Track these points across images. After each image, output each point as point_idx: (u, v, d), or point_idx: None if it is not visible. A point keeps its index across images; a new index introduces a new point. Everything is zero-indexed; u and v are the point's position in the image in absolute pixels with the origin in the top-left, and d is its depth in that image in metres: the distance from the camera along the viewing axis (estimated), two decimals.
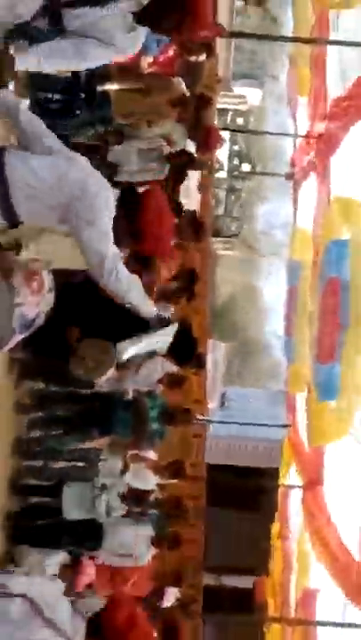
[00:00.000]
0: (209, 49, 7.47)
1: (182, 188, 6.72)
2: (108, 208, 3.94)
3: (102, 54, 4.24)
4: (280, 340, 13.96)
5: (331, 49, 8.58)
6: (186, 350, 5.79)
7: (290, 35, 11.41)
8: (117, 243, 4.06)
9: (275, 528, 11.84)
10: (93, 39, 4.22)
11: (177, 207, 6.59)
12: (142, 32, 4.25)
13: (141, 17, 4.31)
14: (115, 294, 4.20)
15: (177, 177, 6.46)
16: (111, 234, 3.95)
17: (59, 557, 6.73)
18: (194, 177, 7.31)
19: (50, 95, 6.61)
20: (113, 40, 4.12)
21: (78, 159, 3.95)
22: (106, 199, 3.94)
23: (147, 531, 7.21)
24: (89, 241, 3.94)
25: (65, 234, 4.53)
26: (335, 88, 8.50)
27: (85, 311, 4.90)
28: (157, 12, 4.30)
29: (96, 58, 4.28)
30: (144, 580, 7.80)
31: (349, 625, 6.92)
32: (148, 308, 4.46)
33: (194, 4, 4.20)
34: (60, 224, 4.09)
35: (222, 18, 13.79)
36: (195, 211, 8.16)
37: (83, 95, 6.61)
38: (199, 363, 7.48)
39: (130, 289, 4.17)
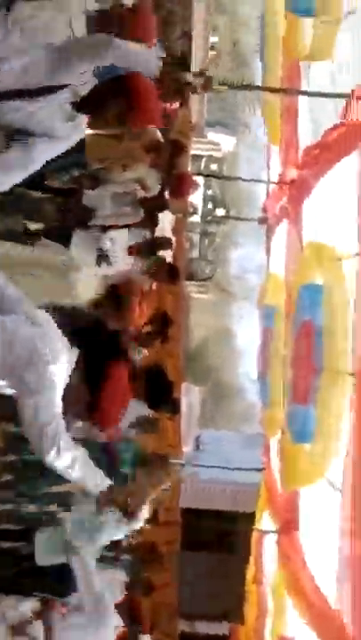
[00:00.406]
0: (183, 97, 7.58)
1: (156, 231, 6.75)
2: (57, 372, 3.54)
3: (48, 150, 4.08)
4: (254, 384, 13.98)
5: (302, 99, 8.70)
6: (161, 394, 5.79)
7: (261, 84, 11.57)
8: None
9: (249, 573, 11.74)
10: (35, 137, 4.03)
11: (152, 249, 6.66)
12: (83, 118, 4.11)
13: (80, 108, 4.19)
14: (58, 471, 3.88)
15: (150, 219, 6.50)
16: (58, 404, 3.55)
17: (29, 604, 6.56)
18: (168, 220, 7.34)
19: None
20: (54, 131, 3.99)
21: (39, 317, 3.60)
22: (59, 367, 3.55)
23: (120, 576, 7.15)
24: (31, 412, 3.53)
25: (37, 268, 4.50)
26: (306, 137, 8.61)
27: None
28: (97, 103, 4.16)
29: (44, 156, 4.09)
30: None
31: None
32: (94, 483, 4.16)
33: (137, 95, 4.02)
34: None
35: (195, 66, 14.04)
36: (167, 259, 8.24)
37: None
38: (174, 407, 7.47)
39: (73, 466, 3.83)
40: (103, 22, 4.14)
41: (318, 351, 7.03)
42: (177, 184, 7.14)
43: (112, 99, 4.03)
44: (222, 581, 14.06)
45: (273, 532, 10.06)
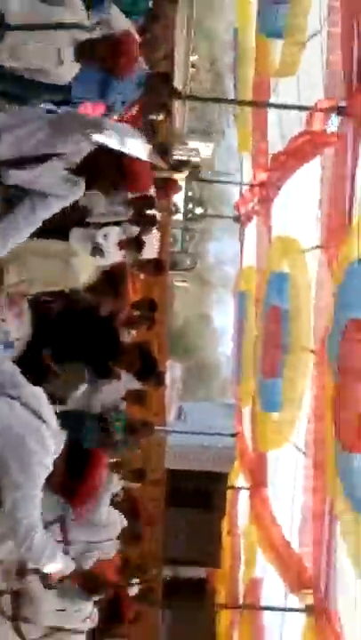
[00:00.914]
0: (166, 109, 7.55)
1: (147, 230, 6.73)
2: (43, 466, 3.36)
3: (51, 207, 3.89)
4: (228, 360, 14.03)
5: (271, 110, 8.70)
6: (147, 369, 5.80)
7: (234, 97, 11.54)
8: None
9: (225, 525, 11.81)
10: (38, 198, 3.86)
11: (139, 246, 6.64)
12: (81, 180, 3.89)
13: (76, 173, 3.98)
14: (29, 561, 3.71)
15: (139, 218, 6.48)
16: (38, 499, 3.39)
17: None
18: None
19: None
20: (55, 191, 3.84)
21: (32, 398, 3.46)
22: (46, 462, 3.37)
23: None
24: (10, 504, 3.33)
25: (44, 254, 4.49)
26: (274, 144, 8.61)
27: (60, 335, 4.85)
28: (92, 171, 3.96)
29: (47, 213, 3.90)
30: (111, 572, 7.72)
31: (290, 609, 6.87)
32: (59, 569, 3.78)
33: (130, 166, 3.88)
34: None
35: (178, 82, 13.96)
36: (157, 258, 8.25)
37: None
38: (159, 380, 7.46)
39: (43, 559, 3.55)
40: (90, 51, 4.14)
41: (284, 332, 7.06)
42: (162, 186, 7.12)
43: (107, 167, 3.86)
44: (202, 532, 14.11)
45: (245, 488, 10.13)
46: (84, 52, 4.14)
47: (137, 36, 5.79)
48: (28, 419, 3.37)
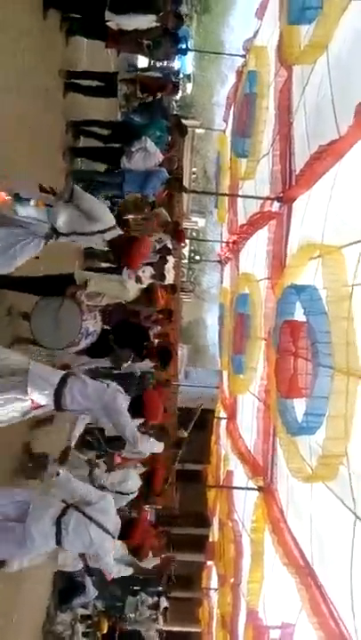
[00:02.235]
0: (175, 201, 7.54)
1: (166, 267, 6.69)
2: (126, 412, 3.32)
3: None
4: (215, 344, 13.93)
5: (239, 200, 8.66)
6: (168, 361, 5.74)
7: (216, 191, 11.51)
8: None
9: (212, 440, 11.74)
10: None
11: (163, 277, 6.60)
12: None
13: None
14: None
15: (163, 260, 6.45)
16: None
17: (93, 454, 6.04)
18: (171, 261, 7.28)
19: None
20: None
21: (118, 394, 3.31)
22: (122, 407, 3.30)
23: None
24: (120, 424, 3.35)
25: (111, 279, 4.46)
26: (240, 218, 8.57)
27: (118, 328, 4.82)
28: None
29: None
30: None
31: (249, 488, 6.68)
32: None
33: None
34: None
35: (185, 182, 13.91)
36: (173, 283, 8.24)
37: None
38: (174, 355, 7.42)
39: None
40: (114, 243, 3.75)
41: (246, 327, 7.00)
42: (178, 237, 7.05)
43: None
44: (199, 443, 14.03)
45: (224, 418, 10.07)
46: (113, 244, 3.78)
47: (161, 157, 5.79)
48: (99, 534, 3.19)
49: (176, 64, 16.19)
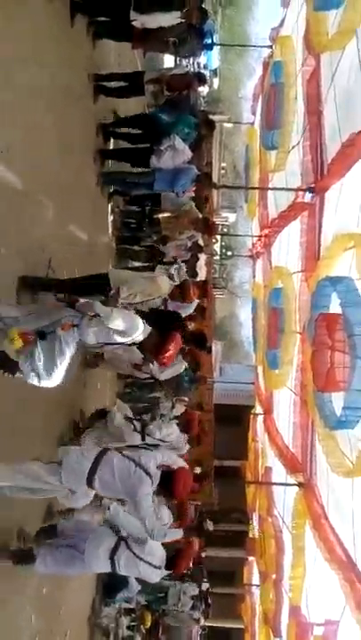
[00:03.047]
0: (208, 200, 7.53)
1: (198, 264, 6.69)
2: (148, 502, 3.20)
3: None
4: (248, 339, 13.88)
5: (270, 192, 8.56)
6: (202, 344, 5.77)
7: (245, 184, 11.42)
8: None
9: (249, 436, 11.69)
10: None
11: (195, 274, 6.60)
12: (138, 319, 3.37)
13: None
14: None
15: (194, 257, 6.46)
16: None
17: None
18: (203, 258, 7.28)
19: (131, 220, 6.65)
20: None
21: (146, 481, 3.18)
22: (147, 495, 3.19)
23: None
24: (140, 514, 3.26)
25: (144, 276, 4.50)
26: (271, 212, 8.47)
27: (153, 325, 4.85)
28: None
29: None
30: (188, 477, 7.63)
31: (289, 484, 6.64)
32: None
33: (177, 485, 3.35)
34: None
35: (215, 178, 13.88)
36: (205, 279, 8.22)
37: (147, 219, 6.69)
38: (209, 351, 7.43)
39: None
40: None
41: (281, 321, 6.91)
42: (209, 230, 7.04)
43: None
44: (236, 440, 14.01)
45: (261, 414, 9.99)
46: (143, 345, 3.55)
47: (190, 154, 5.80)
48: (147, 569, 3.43)
49: (202, 59, 16.15)
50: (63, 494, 3.34)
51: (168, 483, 3.30)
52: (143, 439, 5.35)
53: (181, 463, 3.86)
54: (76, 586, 5.41)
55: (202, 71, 15.17)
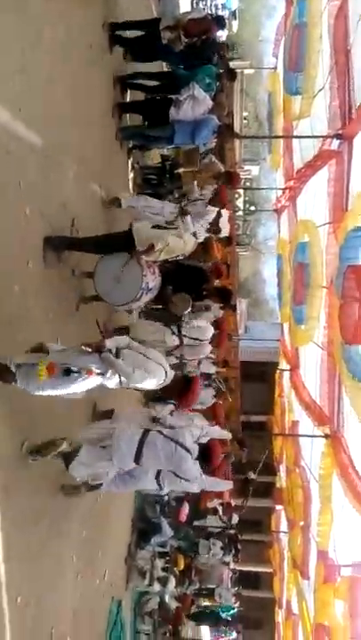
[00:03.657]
0: (228, 149, 7.24)
1: (221, 221, 6.56)
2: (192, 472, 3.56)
3: None
4: (274, 296, 13.76)
5: (295, 140, 8.26)
6: (228, 300, 5.76)
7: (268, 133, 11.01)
8: None
9: (276, 392, 11.83)
10: None
11: (218, 230, 6.49)
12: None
13: None
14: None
15: (218, 213, 6.32)
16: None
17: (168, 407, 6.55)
18: (226, 214, 7.15)
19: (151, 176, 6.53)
20: None
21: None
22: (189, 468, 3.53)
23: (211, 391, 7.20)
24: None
25: (168, 234, 4.48)
26: (297, 162, 8.19)
27: (176, 280, 4.87)
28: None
29: None
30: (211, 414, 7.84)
31: (316, 436, 6.76)
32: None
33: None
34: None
35: (236, 128, 13.39)
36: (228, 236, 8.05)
37: (167, 175, 6.56)
38: (234, 308, 7.40)
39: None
40: None
41: (306, 276, 6.86)
42: (233, 182, 6.87)
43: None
44: (262, 396, 14.19)
45: (287, 370, 10.07)
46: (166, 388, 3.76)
47: (211, 103, 5.59)
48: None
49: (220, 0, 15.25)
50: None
51: (206, 455, 3.64)
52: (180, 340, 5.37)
53: (216, 434, 4.22)
54: (112, 530, 5.74)
55: (220, 13, 14.33)
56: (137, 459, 3.52)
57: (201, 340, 5.81)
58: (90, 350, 3.19)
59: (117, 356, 3.27)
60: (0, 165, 3.11)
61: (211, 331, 6.10)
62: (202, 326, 5.81)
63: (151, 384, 3.46)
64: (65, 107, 4.10)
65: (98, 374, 3.16)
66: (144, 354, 3.43)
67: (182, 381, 3.72)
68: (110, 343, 3.31)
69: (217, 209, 5.91)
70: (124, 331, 4.76)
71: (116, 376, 3.23)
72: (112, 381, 3.26)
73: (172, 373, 3.58)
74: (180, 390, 3.67)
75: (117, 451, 3.54)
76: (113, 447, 3.58)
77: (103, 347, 3.22)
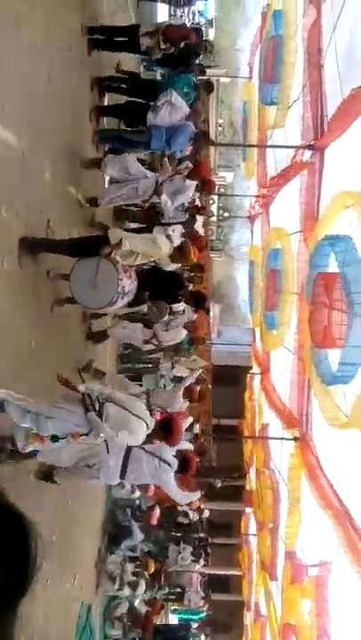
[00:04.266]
0: (203, 156, 7.35)
1: (195, 225, 6.64)
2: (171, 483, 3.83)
3: None
4: (245, 302, 13.92)
5: (269, 150, 8.43)
6: (202, 304, 5.84)
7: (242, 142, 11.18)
8: None
9: (246, 395, 11.96)
10: None
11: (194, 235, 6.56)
12: None
13: None
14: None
15: (192, 219, 6.41)
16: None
17: None
18: (200, 220, 7.22)
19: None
20: None
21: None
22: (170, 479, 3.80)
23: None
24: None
25: (144, 237, 4.52)
26: (271, 171, 8.36)
27: (152, 286, 4.91)
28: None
29: None
30: (183, 419, 7.86)
31: (285, 438, 6.87)
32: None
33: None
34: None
35: (212, 135, 13.52)
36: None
37: None
38: (207, 311, 7.45)
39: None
40: None
41: (278, 282, 6.99)
42: (208, 188, 6.95)
43: None
44: (234, 399, 14.27)
45: (258, 374, 10.20)
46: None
47: (188, 110, 5.66)
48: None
49: (198, 5, 15.41)
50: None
51: (166, 429, 3.82)
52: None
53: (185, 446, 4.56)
54: (83, 534, 5.71)
55: (197, 21, 14.49)
56: (122, 474, 3.78)
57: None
58: (70, 397, 3.39)
59: (100, 408, 3.39)
60: None
61: (184, 333, 6.17)
62: (177, 330, 5.89)
63: (134, 441, 3.63)
64: (42, 108, 4.10)
65: (82, 435, 3.30)
66: (126, 407, 3.55)
67: (162, 424, 3.85)
68: (90, 388, 3.46)
69: (196, 182, 5.91)
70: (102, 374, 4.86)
71: (101, 436, 3.35)
72: (94, 440, 3.43)
73: (152, 423, 3.71)
74: (164, 433, 3.81)
75: (104, 468, 3.78)
76: (100, 464, 3.81)
77: (90, 405, 3.37)
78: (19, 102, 3.63)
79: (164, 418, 3.96)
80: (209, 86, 6.45)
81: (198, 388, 7.31)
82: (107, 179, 5.66)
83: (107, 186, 5.44)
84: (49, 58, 4.25)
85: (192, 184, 5.84)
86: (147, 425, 3.62)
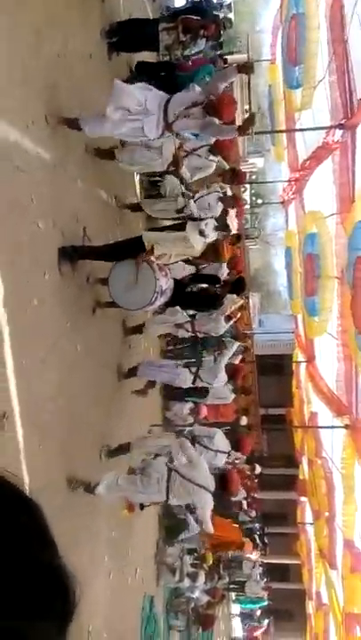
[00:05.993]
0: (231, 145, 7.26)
1: (228, 217, 6.57)
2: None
3: None
4: (285, 288, 13.72)
5: (298, 133, 8.24)
6: (242, 288, 5.79)
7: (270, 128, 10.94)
8: None
9: (293, 383, 11.83)
10: None
11: (226, 227, 6.50)
12: None
13: None
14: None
15: (225, 210, 6.33)
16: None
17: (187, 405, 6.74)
18: (233, 210, 7.15)
19: (157, 177, 6.52)
20: None
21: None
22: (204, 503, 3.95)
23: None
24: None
25: (176, 239, 4.52)
26: (301, 154, 8.18)
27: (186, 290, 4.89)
28: None
29: None
30: (231, 410, 7.90)
31: (335, 427, 6.80)
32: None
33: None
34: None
35: (239, 120, 13.28)
36: (237, 232, 8.04)
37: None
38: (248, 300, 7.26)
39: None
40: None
41: (317, 267, 6.88)
42: (238, 180, 6.89)
43: None
44: (281, 388, 14.15)
45: (303, 361, 10.07)
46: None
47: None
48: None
49: None
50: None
51: (223, 483, 4.23)
52: (194, 382, 5.61)
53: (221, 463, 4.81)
54: (140, 529, 5.85)
55: (217, 13, 14.27)
56: (167, 496, 4.03)
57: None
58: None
59: (169, 477, 3.82)
60: (12, 182, 3.20)
61: (223, 325, 6.14)
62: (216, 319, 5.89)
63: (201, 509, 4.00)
64: (69, 116, 4.16)
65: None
66: (191, 480, 3.90)
67: (220, 480, 4.16)
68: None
69: (218, 157, 5.84)
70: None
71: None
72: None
73: (213, 483, 3.99)
74: (221, 487, 4.02)
75: (149, 487, 4.00)
76: (148, 482, 4.05)
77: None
78: (44, 113, 3.70)
79: (221, 474, 4.08)
80: (246, 69, 6.29)
81: (242, 373, 7.26)
82: (137, 178, 5.68)
83: (137, 177, 5.42)
84: (71, 66, 4.30)
85: (213, 161, 5.77)
86: (210, 492, 3.92)
